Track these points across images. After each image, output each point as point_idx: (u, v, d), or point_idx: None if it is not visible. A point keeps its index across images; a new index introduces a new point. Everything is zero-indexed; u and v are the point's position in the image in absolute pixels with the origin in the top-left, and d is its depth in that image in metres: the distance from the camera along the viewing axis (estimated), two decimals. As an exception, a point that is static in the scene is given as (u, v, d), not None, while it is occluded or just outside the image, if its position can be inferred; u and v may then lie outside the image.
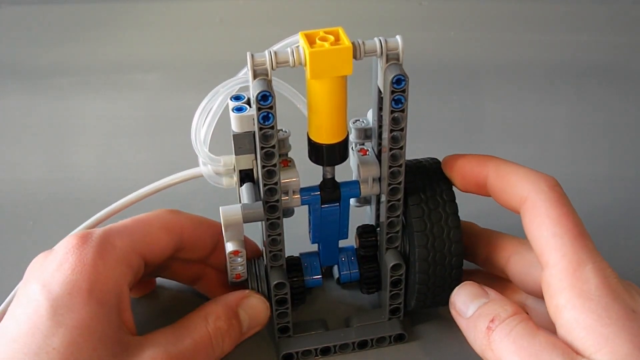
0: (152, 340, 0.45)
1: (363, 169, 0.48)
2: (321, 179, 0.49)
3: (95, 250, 0.44)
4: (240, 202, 0.48)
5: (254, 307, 0.50)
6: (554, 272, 0.41)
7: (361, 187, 0.49)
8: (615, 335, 0.38)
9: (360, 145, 0.50)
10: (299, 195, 0.48)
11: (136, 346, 0.44)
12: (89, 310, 0.42)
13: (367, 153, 0.49)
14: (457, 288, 0.46)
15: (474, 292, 0.44)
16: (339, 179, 0.49)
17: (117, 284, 0.44)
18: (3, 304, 0.51)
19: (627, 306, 0.40)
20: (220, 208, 0.46)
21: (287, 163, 0.48)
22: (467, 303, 0.44)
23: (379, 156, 0.48)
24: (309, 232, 0.52)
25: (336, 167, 0.48)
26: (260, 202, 0.46)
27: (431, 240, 0.47)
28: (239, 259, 0.48)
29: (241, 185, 0.48)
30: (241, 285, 0.51)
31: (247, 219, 0.46)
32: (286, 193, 0.47)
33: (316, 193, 0.49)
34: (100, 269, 0.44)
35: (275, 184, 0.46)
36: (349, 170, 0.50)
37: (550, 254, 0.42)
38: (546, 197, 0.43)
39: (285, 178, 0.47)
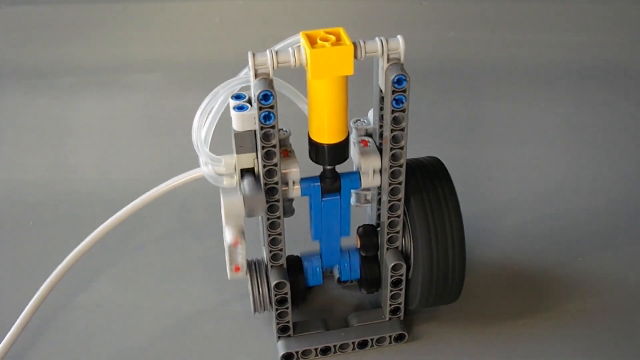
0: None
1: (364, 161, 0.48)
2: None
3: None
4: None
5: None
6: None
7: (362, 178, 0.48)
8: None
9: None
10: (299, 186, 0.48)
11: None
12: None
13: (368, 144, 0.49)
14: None
15: None
16: (339, 170, 0.48)
17: None
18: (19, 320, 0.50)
19: None
20: (222, 196, 0.46)
21: (288, 153, 0.47)
22: None
23: (380, 148, 0.48)
24: (310, 228, 0.51)
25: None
26: (262, 191, 0.45)
27: (435, 241, 0.47)
28: (239, 249, 0.48)
29: (242, 184, 0.48)
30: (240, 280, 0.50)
31: (248, 208, 0.45)
32: (286, 183, 0.47)
33: (316, 184, 0.48)
34: None
35: (276, 183, 0.46)
36: (349, 161, 0.50)
37: None
38: None
39: (285, 168, 0.47)
